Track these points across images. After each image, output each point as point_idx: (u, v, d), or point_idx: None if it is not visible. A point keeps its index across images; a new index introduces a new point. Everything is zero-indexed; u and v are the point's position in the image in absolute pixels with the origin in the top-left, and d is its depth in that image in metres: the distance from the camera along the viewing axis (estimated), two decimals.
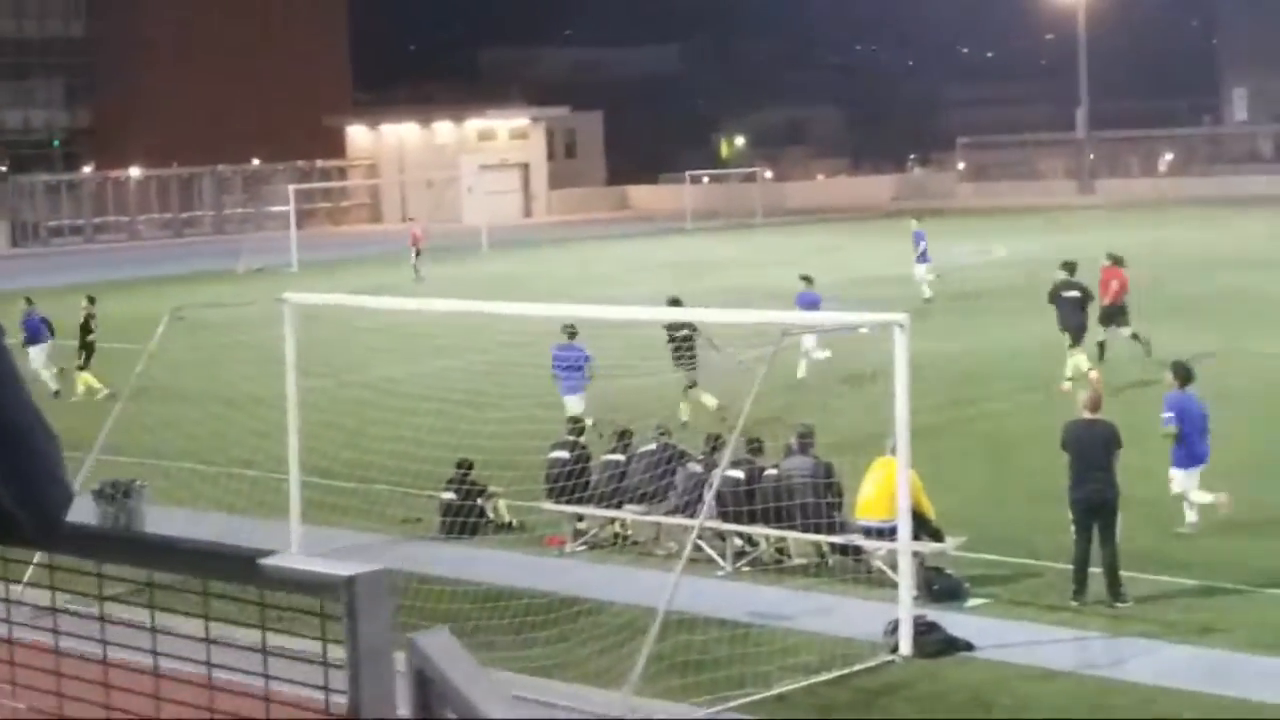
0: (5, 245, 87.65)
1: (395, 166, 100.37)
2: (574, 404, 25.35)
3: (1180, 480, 18.91)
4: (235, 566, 2.83)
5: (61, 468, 2.96)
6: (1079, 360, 28.54)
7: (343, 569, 2.61)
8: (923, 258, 42.50)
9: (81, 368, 33.05)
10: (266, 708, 2.86)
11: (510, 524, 20.62)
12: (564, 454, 20.38)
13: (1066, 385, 27.60)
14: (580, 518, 20.06)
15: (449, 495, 20.63)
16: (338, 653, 2.64)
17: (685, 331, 26.99)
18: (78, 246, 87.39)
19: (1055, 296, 29.95)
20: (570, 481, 19.99)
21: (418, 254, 57.31)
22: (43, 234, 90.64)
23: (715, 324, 26.42)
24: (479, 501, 20.64)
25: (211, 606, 3.04)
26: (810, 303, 30.53)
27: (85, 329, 33.48)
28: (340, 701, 2.60)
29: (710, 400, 26.59)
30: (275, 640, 2.88)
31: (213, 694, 2.99)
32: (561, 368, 25.95)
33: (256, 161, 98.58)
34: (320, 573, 2.64)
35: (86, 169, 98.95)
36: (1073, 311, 29.22)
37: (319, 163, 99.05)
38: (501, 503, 20.73)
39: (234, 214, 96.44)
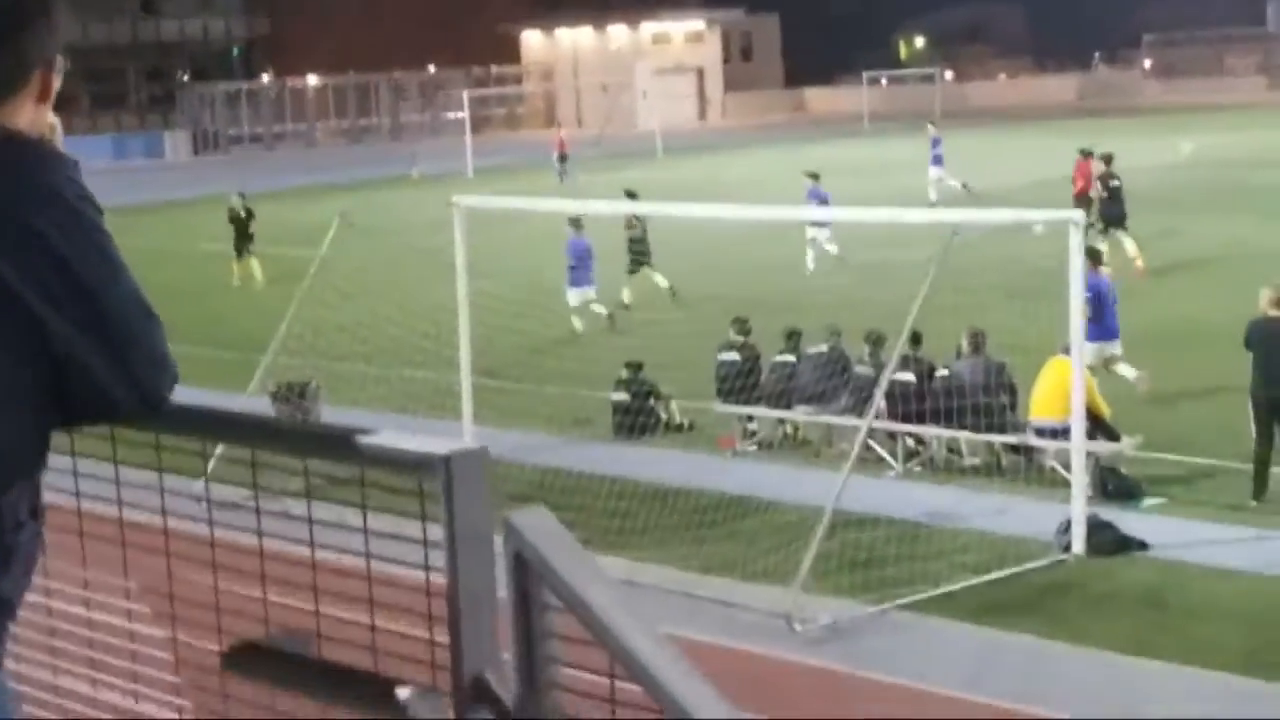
0: (187, 154, 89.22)
1: (570, 72, 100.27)
2: (575, 296, 27.90)
3: (1090, 353, 19.10)
4: (333, 444, 2.77)
5: (162, 348, 2.93)
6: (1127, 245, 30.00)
7: (439, 447, 2.54)
8: (936, 161, 43.67)
9: (240, 256, 35.86)
10: (368, 586, 2.81)
11: (682, 425, 20.60)
12: (734, 355, 20.31)
13: (1140, 265, 29.58)
14: (750, 418, 19.97)
15: (620, 396, 20.64)
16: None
17: (638, 224, 30.07)
18: (257, 154, 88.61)
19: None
20: (740, 382, 19.92)
21: (563, 159, 58.33)
22: (222, 142, 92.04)
23: (887, 224, 26.44)
24: (650, 402, 20.63)
25: (316, 485, 3.00)
26: (820, 198, 32.08)
27: (239, 220, 36.23)
28: (440, 581, 2.56)
29: (662, 280, 29.62)
30: (378, 519, 2.81)
31: (316, 572, 2.94)
32: (573, 260, 28.19)
33: (432, 68, 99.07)
34: (416, 451, 2.58)
35: (265, 77, 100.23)
36: (1112, 202, 30.97)
37: (494, 69, 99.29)
38: (673, 404, 20.70)
39: (410, 121, 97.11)
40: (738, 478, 18.15)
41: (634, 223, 30.13)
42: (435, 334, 22.07)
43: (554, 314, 27.56)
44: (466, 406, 19.38)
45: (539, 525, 2.47)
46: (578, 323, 27.68)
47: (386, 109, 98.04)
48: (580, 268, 28.15)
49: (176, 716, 3.43)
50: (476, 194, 25.55)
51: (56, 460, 3.11)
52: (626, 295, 29.34)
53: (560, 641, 2.45)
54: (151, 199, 54.20)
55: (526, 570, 2.44)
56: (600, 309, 27.85)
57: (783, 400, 19.66)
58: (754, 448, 19.68)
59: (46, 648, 3.55)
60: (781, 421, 19.79)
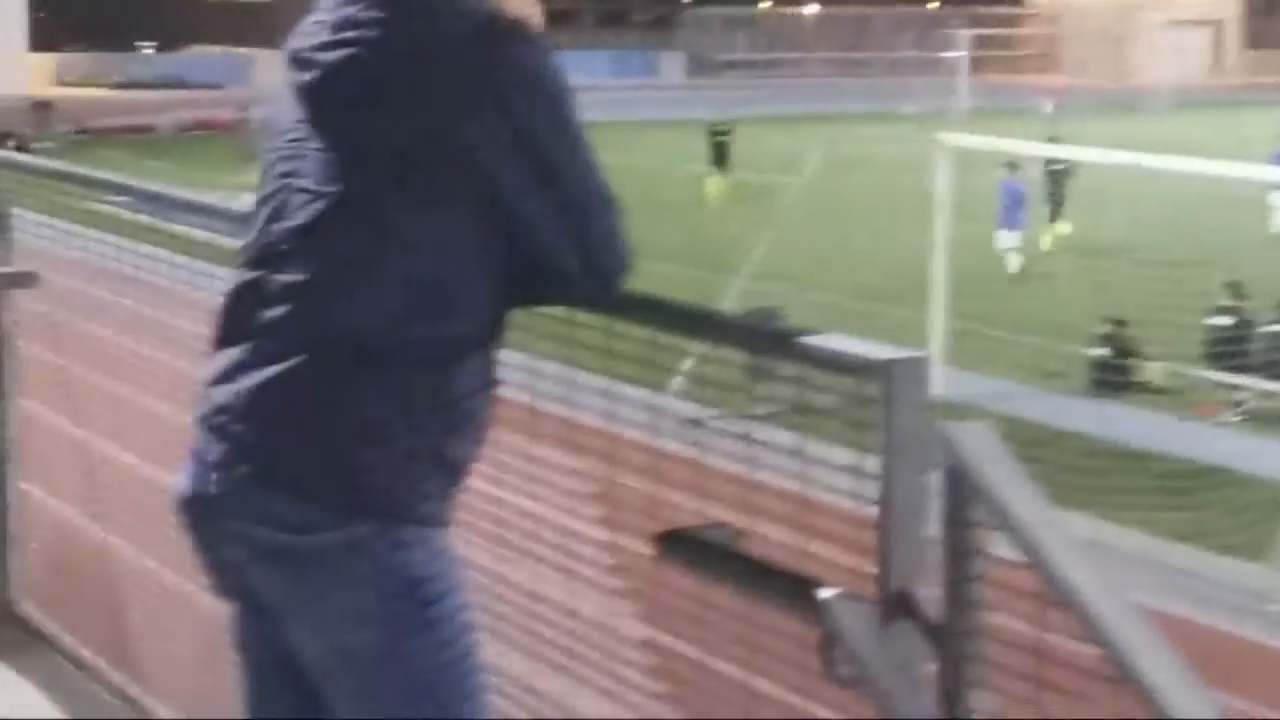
0: (682, 76, 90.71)
1: (1076, 17, 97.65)
2: (1006, 238, 27.82)
3: None
4: (776, 341, 2.79)
5: (620, 233, 2.96)
6: None
7: (881, 352, 2.55)
8: None
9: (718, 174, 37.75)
10: (800, 489, 2.78)
11: (1161, 387, 19.82)
12: (1224, 320, 19.49)
13: None
14: (1237, 387, 19.07)
15: (1099, 352, 20.01)
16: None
17: (1062, 167, 30.07)
18: (750, 80, 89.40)
19: None
20: (1230, 348, 19.07)
21: (1055, 106, 57.55)
22: (717, 66, 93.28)
23: None
24: (1130, 361, 19.93)
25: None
26: None
27: (719, 140, 38.11)
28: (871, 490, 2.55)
29: (1065, 228, 29.94)
30: (811, 429, 2.83)
31: (750, 475, 2.87)
32: (1006, 201, 28.30)
33: (933, 4, 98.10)
34: (858, 355, 2.58)
35: (764, 4, 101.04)
36: None
37: (997, 9, 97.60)
38: (1154, 364, 19.92)
39: (905, 56, 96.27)
40: (1215, 447, 17.28)
41: (1056, 169, 30.50)
42: (913, 269, 21.81)
43: (1039, 261, 26.97)
44: (935, 347, 19.05)
45: (977, 441, 2.39)
46: (1011, 265, 27.48)
47: (882, 44, 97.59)
48: (1013, 209, 28.23)
49: (608, 611, 3.45)
50: (966, 134, 25.17)
51: (516, 358, 3.18)
52: (1046, 243, 29.44)
53: (989, 561, 2.38)
54: (642, 118, 55.39)
55: (961, 485, 2.35)
56: (1017, 258, 27.65)
57: (1274, 371, 18.70)
58: (1238, 419, 18.75)
59: (493, 535, 3.61)
60: (1272, 394, 18.83)
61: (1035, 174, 29.88)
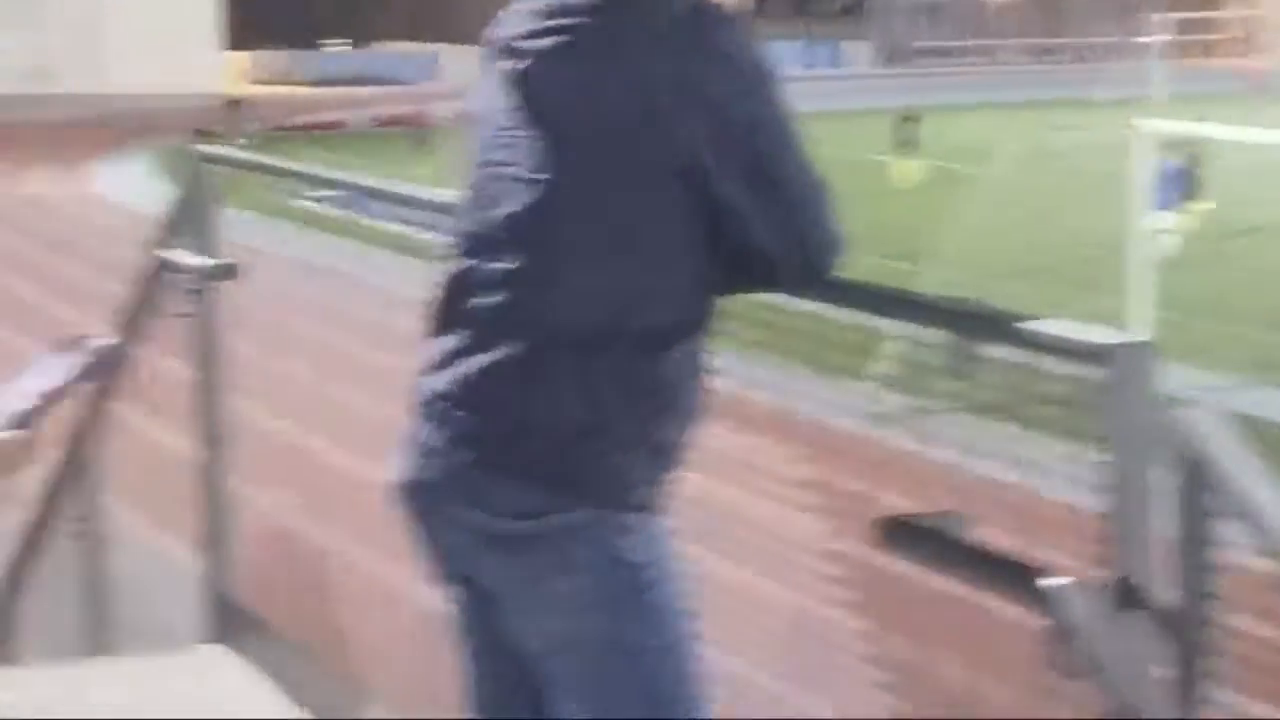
0: (869, 64, 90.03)
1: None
2: (1159, 219, 26.61)
3: None
4: (995, 327, 2.79)
5: (830, 216, 2.91)
6: None
7: (1105, 337, 2.51)
8: None
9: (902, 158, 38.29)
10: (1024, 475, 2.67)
11: None
12: None
13: None
14: None
15: None
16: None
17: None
18: (939, 67, 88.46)
19: None
20: None
21: (1260, 90, 56.83)
22: (906, 54, 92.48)
23: None
24: None
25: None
26: None
27: (905, 126, 39.11)
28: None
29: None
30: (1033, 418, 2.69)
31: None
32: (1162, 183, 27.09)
33: None
34: (1081, 340, 2.54)
35: None
36: None
37: None
38: None
39: (1099, 42, 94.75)
40: None
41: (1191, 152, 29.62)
42: (1102, 260, 21.46)
43: (1252, 254, 26.55)
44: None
45: (1210, 426, 2.33)
46: (1163, 247, 26.75)
47: (1076, 29, 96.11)
48: (1167, 191, 27.01)
49: (822, 601, 3.42)
50: (1162, 120, 24.72)
51: (726, 347, 3.15)
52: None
53: (1220, 550, 2.34)
54: (830, 107, 55.14)
55: (1192, 471, 2.31)
56: (1174, 238, 26.77)
57: None
58: None
59: (702, 525, 3.59)
60: None
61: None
